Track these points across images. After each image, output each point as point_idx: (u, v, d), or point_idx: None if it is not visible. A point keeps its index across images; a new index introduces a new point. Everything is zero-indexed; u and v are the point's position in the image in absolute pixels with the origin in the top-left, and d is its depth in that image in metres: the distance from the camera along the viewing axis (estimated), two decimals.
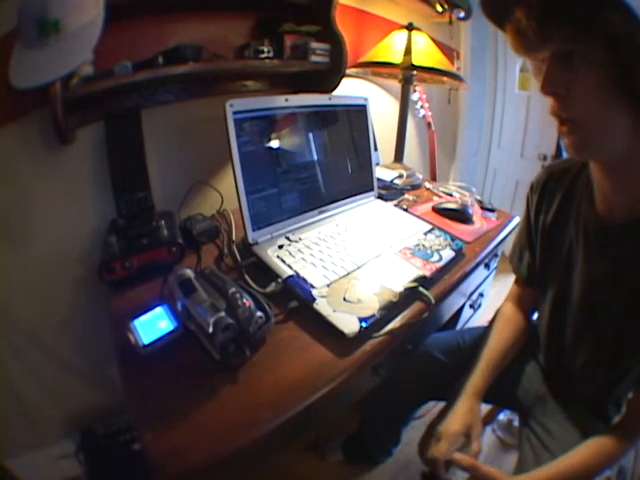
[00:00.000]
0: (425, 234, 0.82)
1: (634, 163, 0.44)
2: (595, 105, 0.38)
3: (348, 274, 0.67)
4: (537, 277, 0.67)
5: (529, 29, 0.38)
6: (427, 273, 0.68)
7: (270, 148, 0.76)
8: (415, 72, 1.14)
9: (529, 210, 0.66)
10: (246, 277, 0.68)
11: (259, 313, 0.52)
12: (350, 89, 1.23)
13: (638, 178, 0.45)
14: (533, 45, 0.40)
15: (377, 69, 1.24)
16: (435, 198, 1.11)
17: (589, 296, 0.56)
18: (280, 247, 0.73)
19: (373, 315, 0.57)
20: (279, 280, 0.65)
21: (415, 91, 1.35)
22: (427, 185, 1.20)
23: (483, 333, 0.74)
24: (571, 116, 0.40)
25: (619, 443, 0.53)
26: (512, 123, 1.88)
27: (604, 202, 0.51)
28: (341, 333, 0.54)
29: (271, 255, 0.71)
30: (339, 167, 0.90)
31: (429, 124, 1.41)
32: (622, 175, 0.46)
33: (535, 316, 0.75)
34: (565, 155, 1.62)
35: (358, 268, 0.68)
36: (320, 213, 0.86)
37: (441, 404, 0.71)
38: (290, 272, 0.66)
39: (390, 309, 0.60)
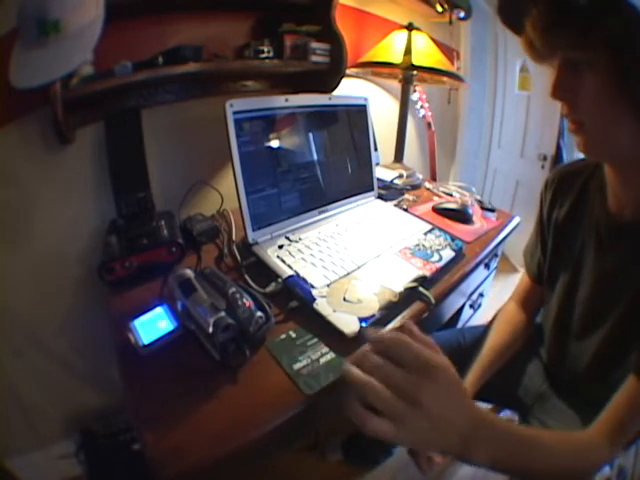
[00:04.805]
0: (425, 234, 0.82)
1: None
2: (600, 109, 0.40)
3: (348, 274, 0.67)
4: (546, 274, 0.67)
5: (536, 39, 0.40)
6: (427, 273, 0.68)
7: (270, 148, 0.76)
8: (415, 72, 1.14)
9: (542, 207, 0.66)
10: (246, 277, 0.68)
11: (259, 313, 0.52)
12: (350, 89, 1.23)
13: None
14: (542, 54, 0.42)
15: (377, 69, 1.24)
16: (435, 198, 1.10)
17: (598, 293, 0.56)
18: (280, 247, 0.73)
19: (373, 315, 0.57)
20: (279, 280, 0.65)
21: (415, 91, 1.35)
22: (427, 185, 1.20)
23: (484, 332, 0.75)
24: (579, 119, 0.43)
25: (602, 444, 0.47)
26: (512, 123, 1.88)
27: (616, 200, 0.52)
28: (341, 333, 0.54)
29: (271, 255, 0.71)
30: (339, 167, 0.90)
31: (429, 124, 1.41)
32: (631, 174, 0.47)
33: (540, 313, 0.75)
34: (565, 155, 1.63)
35: (358, 268, 0.68)
36: (320, 213, 0.86)
37: None
38: (290, 272, 0.66)
39: (390, 309, 0.60)
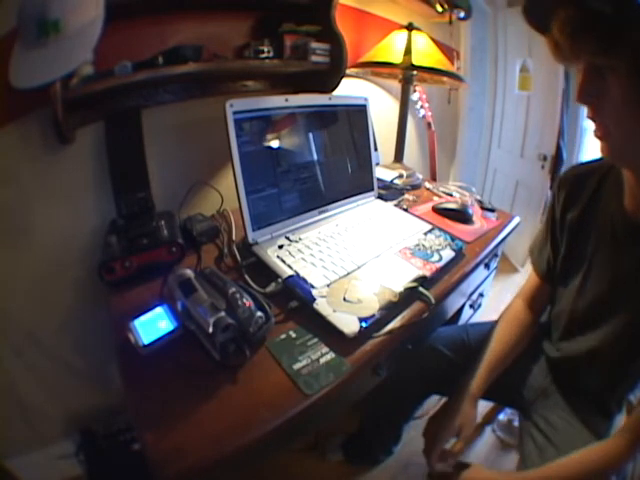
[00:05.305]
0: (425, 234, 0.82)
1: None
2: (623, 115, 0.41)
3: (348, 274, 0.67)
4: (555, 272, 0.68)
5: (563, 43, 0.41)
6: (427, 273, 0.68)
7: (270, 148, 0.76)
8: (415, 72, 1.14)
9: (554, 206, 0.66)
10: (246, 277, 0.68)
11: (259, 313, 0.52)
12: (350, 89, 1.23)
13: None
14: (568, 56, 0.42)
15: (377, 69, 1.24)
16: (435, 198, 1.10)
17: (611, 292, 0.57)
18: (280, 247, 0.73)
19: (373, 315, 0.57)
20: (279, 280, 0.65)
21: (415, 91, 1.35)
22: (427, 185, 1.20)
23: (488, 329, 0.75)
24: (603, 123, 0.43)
25: (623, 446, 0.52)
26: (512, 123, 1.88)
27: (633, 201, 0.52)
28: (341, 333, 0.54)
29: (271, 255, 0.71)
30: (339, 167, 0.90)
31: (429, 124, 1.41)
32: None
33: (547, 310, 0.75)
34: (565, 155, 1.63)
35: (358, 268, 0.68)
36: (320, 213, 0.86)
37: (443, 400, 0.72)
38: (290, 272, 0.66)
39: (390, 309, 0.60)
